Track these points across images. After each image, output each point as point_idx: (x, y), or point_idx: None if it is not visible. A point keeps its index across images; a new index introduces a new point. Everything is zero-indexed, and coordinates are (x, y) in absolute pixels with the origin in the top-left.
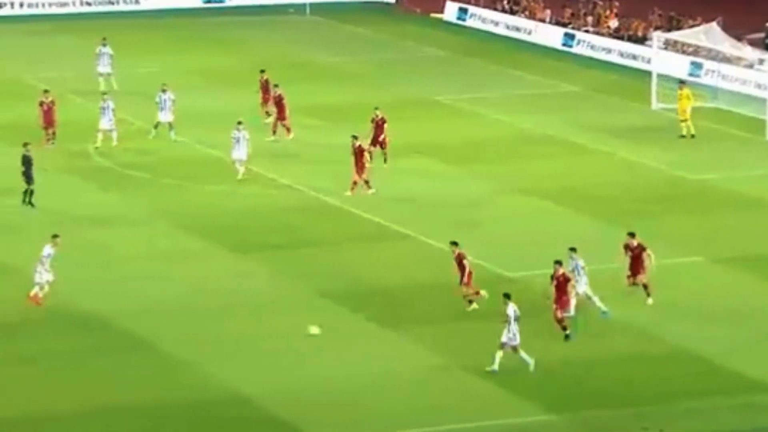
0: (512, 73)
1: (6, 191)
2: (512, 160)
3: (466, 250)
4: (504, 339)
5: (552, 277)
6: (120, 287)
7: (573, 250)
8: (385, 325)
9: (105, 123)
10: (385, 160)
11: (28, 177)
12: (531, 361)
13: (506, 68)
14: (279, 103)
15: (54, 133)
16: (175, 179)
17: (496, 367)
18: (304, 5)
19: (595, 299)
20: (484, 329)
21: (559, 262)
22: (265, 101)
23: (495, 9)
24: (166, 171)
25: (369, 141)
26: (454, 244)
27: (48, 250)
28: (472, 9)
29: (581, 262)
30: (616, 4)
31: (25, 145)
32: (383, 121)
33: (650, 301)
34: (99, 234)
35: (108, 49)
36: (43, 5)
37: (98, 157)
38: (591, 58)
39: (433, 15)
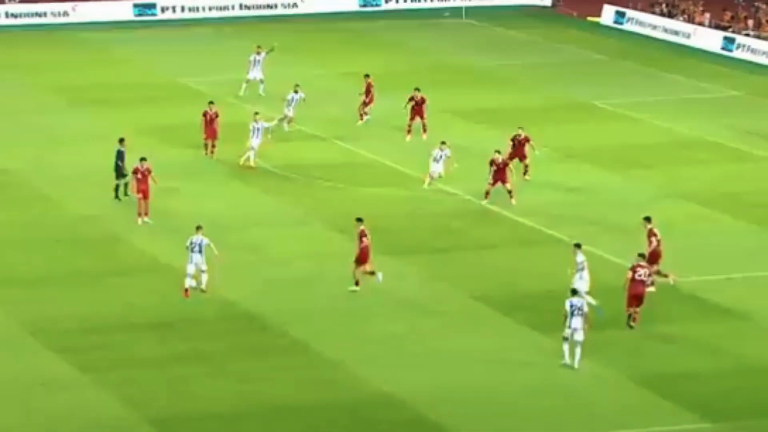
0: (670, 78)
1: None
2: (670, 166)
3: (627, 257)
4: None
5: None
6: (276, 288)
7: (578, 246)
8: (538, 329)
9: (254, 142)
10: (525, 173)
11: (118, 172)
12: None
13: (664, 72)
14: (421, 104)
15: (215, 146)
16: (330, 181)
17: (567, 360)
18: (460, 9)
19: (588, 297)
20: (636, 336)
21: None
22: (366, 104)
23: (653, 12)
24: (321, 173)
25: (508, 157)
26: (359, 220)
27: (192, 240)
28: (629, 12)
29: (582, 258)
30: None
31: (121, 140)
32: (526, 140)
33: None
34: (257, 235)
35: (262, 56)
36: (204, 9)
37: (257, 159)
38: (751, 62)
39: (589, 18)
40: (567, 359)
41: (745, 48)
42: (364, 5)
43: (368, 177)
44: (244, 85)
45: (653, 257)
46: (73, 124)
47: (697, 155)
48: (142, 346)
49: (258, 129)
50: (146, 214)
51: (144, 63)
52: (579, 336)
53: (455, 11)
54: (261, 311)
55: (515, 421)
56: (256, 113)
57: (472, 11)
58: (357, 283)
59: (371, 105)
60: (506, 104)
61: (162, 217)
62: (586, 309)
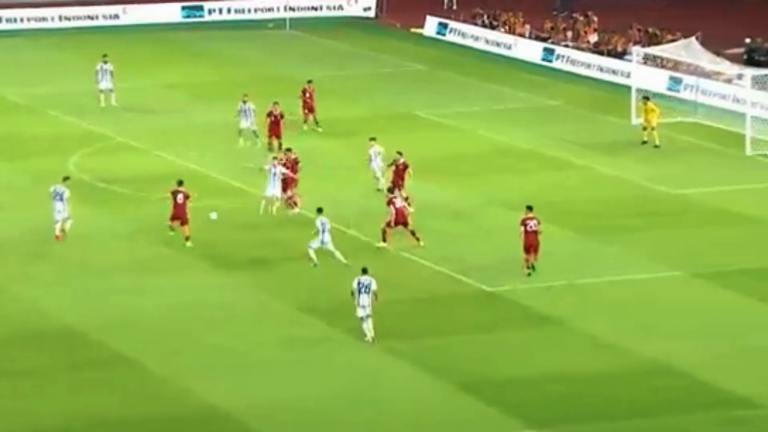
0: (491, 88)
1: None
2: (491, 175)
3: (448, 261)
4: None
5: None
6: (99, 301)
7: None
8: (361, 337)
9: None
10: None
11: None
12: None
13: (486, 83)
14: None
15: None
16: (155, 193)
17: (369, 337)
18: (284, 20)
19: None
20: (464, 341)
21: None
22: (309, 112)
23: (475, 24)
24: (144, 186)
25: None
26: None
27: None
28: (451, 24)
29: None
30: (595, 19)
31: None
32: (405, 166)
33: None
34: (78, 248)
35: (109, 66)
36: (23, 20)
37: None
38: (570, 73)
39: (413, 29)
40: (369, 337)
41: (565, 59)
42: (188, 17)
43: (195, 189)
44: (102, 97)
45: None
46: None
47: (518, 164)
48: None
49: (275, 174)
50: None
51: None
52: (368, 311)
53: (279, 22)
54: (82, 325)
55: (342, 431)
56: (274, 157)
57: (297, 23)
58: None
59: (313, 113)
60: (331, 114)
61: None
62: (374, 287)
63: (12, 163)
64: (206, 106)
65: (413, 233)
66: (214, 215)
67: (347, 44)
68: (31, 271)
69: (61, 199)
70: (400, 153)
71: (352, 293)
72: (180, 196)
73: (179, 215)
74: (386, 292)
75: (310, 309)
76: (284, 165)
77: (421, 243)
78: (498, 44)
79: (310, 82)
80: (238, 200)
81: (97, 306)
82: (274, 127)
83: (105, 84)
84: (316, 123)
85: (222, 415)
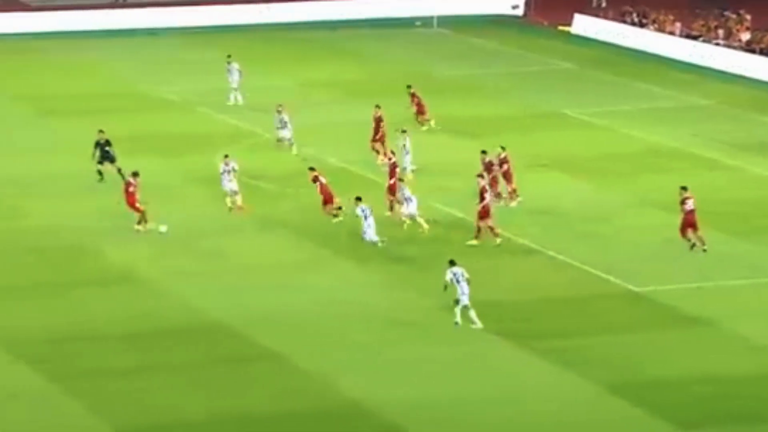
0: (641, 87)
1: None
2: (640, 174)
3: (595, 261)
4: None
5: None
6: (246, 297)
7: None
8: (506, 338)
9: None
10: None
11: (108, 158)
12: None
13: (635, 81)
14: (377, 123)
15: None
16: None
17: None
18: (431, 18)
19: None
20: (611, 342)
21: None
22: (420, 113)
23: (624, 22)
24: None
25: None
26: (312, 169)
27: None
28: (600, 22)
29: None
30: (748, 17)
31: (101, 131)
32: (504, 161)
33: None
34: (225, 243)
35: (235, 65)
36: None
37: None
38: (722, 72)
39: (560, 27)
40: (478, 324)
41: (716, 57)
42: (330, 15)
43: (338, 184)
44: (232, 95)
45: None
46: (37, 134)
47: (668, 163)
48: (111, 356)
49: (407, 198)
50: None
51: (107, 71)
52: (467, 300)
53: (427, 20)
54: (230, 320)
55: (486, 431)
56: (400, 179)
57: (444, 20)
58: (336, 215)
59: (425, 115)
60: (476, 113)
61: (129, 227)
62: (467, 274)
63: (165, 160)
64: (351, 104)
65: (491, 229)
66: (163, 228)
67: (494, 42)
68: (180, 266)
69: (229, 174)
70: (503, 147)
71: (446, 286)
72: (322, 179)
73: (329, 197)
74: (532, 291)
75: (451, 307)
76: (391, 168)
77: (498, 240)
78: (647, 42)
79: (409, 86)
80: (380, 197)
81: (244, 301)
82: (378, 130)
83: (233, 83)
84: (429, 122)
85: (366, 412)
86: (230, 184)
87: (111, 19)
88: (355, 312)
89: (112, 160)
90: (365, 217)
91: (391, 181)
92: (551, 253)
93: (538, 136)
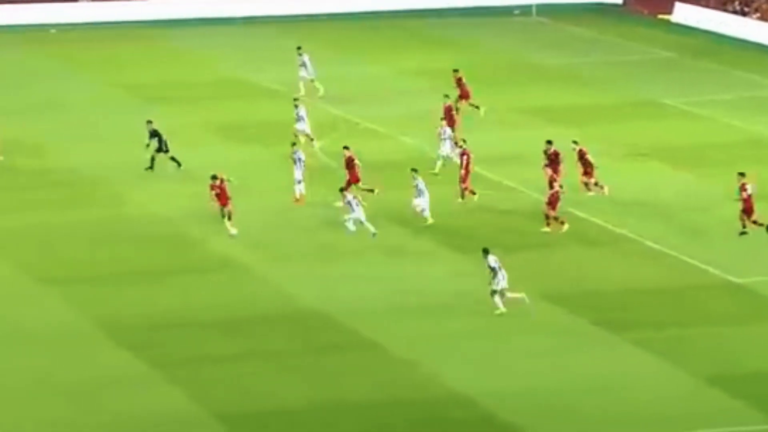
0: (743, 76)
1: None
2: (741, 165)
3: (694, 251)
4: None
5: None
6: (344, 285)
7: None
8: (606, 328)
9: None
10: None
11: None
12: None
13: (737, 70)
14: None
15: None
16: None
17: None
18: (530, 6)
19: (511, 295)
20: (709, 333)
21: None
22: (463, 98)
23: (725, 10)
24: (390, 172)
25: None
26: (346, 148)
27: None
28: (701, 10)
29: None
30: None
31: (149, 122)
32: (582, 153)
33: None
34: (327, 234)
35: (305, 57)
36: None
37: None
38: None
39: (660, 16)
40: (502, 308)
41: None
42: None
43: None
44: (301, 85)
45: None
46: (141, 123)
47: None
48: (211, 343)
49: (420, 190)
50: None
51: (208, 59)
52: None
53: (526, 9)
54: (327, 308)
55: (582, 421)
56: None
57: (543, 9)
58: (371, 190)
59: (469, 99)
60: (574, 102)
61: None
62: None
63: (267, 148)
64: (449, 93)
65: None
66: (234, 231)
67: (593, 31)
68: (278, 254)
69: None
70: (575, 142)
71: (493, 269)
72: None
73: (354, 179)
74: (629, 281)
75: (552, 297)
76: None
77: (547, 229)
78: (749, 31)
79: (456, 71)
80: (480, 186)
81: (340, 290)
82: (449, 119)
83: (303, 74)
84: (476, 107)
85: (465, 401)
86: (297, 173)
87: (210, 8)
88: (451, 301)
89: (160, 149)
90: (353, 208)
91: (462, 171)
92: (649, 243)
93: (637, 125)
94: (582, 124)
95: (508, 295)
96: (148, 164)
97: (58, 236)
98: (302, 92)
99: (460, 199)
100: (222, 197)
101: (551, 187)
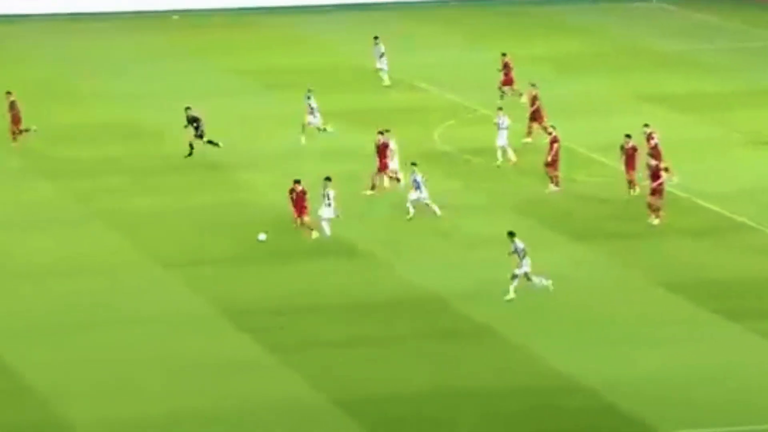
0: None
1: None
2: None
3: None
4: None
5: None
6: (462, 271)
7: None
8: (727, 317)
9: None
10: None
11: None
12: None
13: None
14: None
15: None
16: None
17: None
18: None
19: (536, 279)
20: None
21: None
22: (506, 83)
23: None
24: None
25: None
26: (381, 133)
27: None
28: None
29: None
30: None
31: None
32: (650, 137)
33: None
34: (441, 219)
35: (380, 47)
36: None
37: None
38: None
39: None
40: (512, 294)
41: None
42: None
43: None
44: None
45: None
46: (268, 107)
47: None
48: (331, 327)
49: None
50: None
51: (331, 45)
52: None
53: None
54: (445, 294)
55: (704, 410)
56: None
57: None
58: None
59: (511, 85)
60: (696, 89)
61: (358, 202)
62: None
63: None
64: (571, 79)
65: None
66: (262, 236)
67: (717, 17)
68: (400, 241)
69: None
70: (647, 125)
71: (518, 252)
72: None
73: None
74: (750, 270)
75: (671, 285)
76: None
77: (655, 221)
78: None
79: (504, 54)
80: (597, 173)
81: (460, 276)
82: (536, 112)
83: (379, 64)
84: (518, 94)
85: (585, 390)
86: (391, 162)
87: None
88: (571, 288)
89: (200, 135)
90: (416, 187)
91: (549, 158)
92: (760, 226)
93: (761, 113)
94: (703, 110)
95: (534, 279)
96: (188, 152)
97: (180, 221)
98: (386, 82)
99: (553, 186)
100: (298, 205)
101: (656, 177)
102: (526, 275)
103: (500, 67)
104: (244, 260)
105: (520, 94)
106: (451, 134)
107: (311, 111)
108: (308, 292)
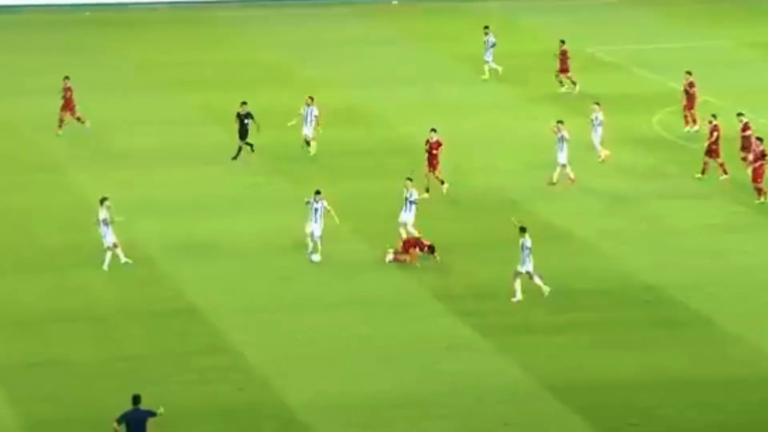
0: None
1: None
2: None
3: None
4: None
5: None
6: (677, 260)
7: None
8: None
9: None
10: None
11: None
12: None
13: None
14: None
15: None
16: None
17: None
18: None
19: (537, 279)
20: None
21: None
22: (563, 71)
23: None
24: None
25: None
26: (433, 130)
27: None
28: None
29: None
30: None
31: (244, 103)
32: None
33: None
34: (655, 206)
35: (491, 38)
36: None
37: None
38: None
39: None
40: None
41: None
42: None
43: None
44: (486, 68)
45: None
46: (477, 94)
47: None
48: (537, 313)
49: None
50: None
51: (538, 29)
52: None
53: None
54: (660, 283)
55: None
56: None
57: None
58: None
59: (568, 74)
60: None
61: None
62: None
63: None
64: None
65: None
66: (316, 258)
67: None
68: (610, 226)
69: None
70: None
71: (529, 249)
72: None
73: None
74: None
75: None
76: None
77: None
78: None
79: (562, 41)
80: None
81: (675, 265)
82: (688, 97)
83: (487, 56)
84: (572, 83)
85: None
86: (560, 154)
87: None
88: None
89: (243, 134)
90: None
91: (706, 144)
92: None
93: None
94: None
95: (536, 279)
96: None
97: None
98: (486, 75)
99: (723, 175)
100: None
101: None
102: (528, 273)
103: (557, 52)
104: (451, 246)
105: (574, 83)
106: (670, 120)
107: (309, 120)
108: (507, 276)
